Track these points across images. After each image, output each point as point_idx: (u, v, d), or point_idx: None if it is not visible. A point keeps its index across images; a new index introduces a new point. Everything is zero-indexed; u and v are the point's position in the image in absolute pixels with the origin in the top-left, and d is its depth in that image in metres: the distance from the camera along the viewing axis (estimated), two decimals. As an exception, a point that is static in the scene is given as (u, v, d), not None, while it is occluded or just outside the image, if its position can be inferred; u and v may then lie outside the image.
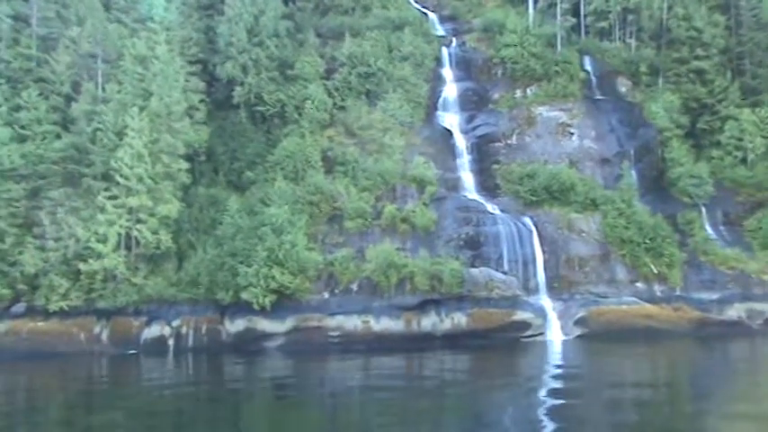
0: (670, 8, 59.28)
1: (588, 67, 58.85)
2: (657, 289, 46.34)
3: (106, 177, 45.02)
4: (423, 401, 25.54)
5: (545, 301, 44.62)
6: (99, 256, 43.64)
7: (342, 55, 55.92)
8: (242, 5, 54.99)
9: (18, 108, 47.37)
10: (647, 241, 47.44)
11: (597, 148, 53.69)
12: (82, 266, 43.75)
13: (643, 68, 57.59)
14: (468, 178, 52.16)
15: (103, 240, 43.77)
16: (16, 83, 48.55)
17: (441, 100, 56.66)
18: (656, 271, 46.82)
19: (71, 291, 44.52)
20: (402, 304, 43.31)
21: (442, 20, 64.82)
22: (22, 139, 46.52)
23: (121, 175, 44.19)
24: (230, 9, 54.99)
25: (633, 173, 52.10)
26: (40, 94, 47.56)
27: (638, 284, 46.47)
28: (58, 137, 46.84)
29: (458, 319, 42.68)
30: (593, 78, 58.42)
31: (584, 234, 47.96)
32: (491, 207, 48.81)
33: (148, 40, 49.39)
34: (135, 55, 48.49)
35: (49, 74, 48.76)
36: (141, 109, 46.17)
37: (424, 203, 48.38)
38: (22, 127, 46.85)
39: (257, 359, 41.43)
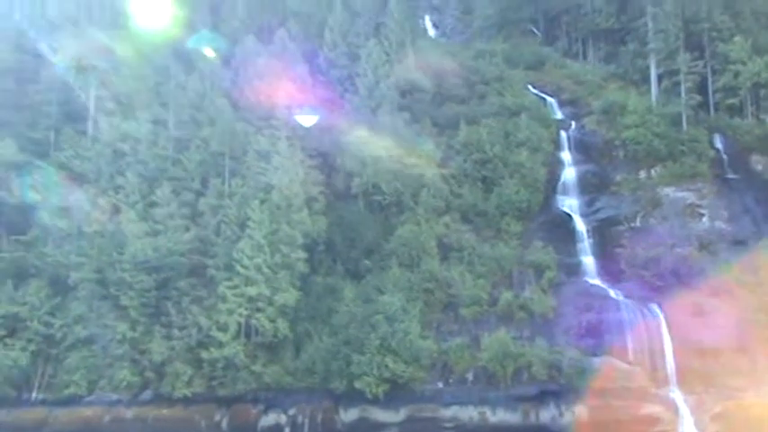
0: (807, 82, 56.12)
1: (718, 146, 56.15)
2: (806, 382, 41.99)
3: (228, 268, 46.76)
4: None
5: (675, 394, 41.37)
6: (220, 344, 45.00)
7: (458, 143, 56.33)
8: (359, 100, 57.06)
9: (153, 204, 50.70)
10: (793, 329, 43.47)
11: (730, 229, 50.52)
12: (204, 354, 45.18)
13: (779, 145, 54.39)
14: (589, 263, 50.19)
15: (224, 329, 45.21)
16: (152, 181, 52.03)
17: (560, 184, 55.55)
18: (803, 362, 42.59)
19: (194, 378, 45.91)
20: (519, 395, 41.70)
21: (562, 104, 64.23)
22: (155, 233, 49.43)
23: (242, 266, 45.85)
24: (348, 104, 57.18)
25: (773, 255, 48.42)
26: (173, 191, 50.71)
27: (784, 376, 42.33)
28: (187, 230, 49.45)
29: (579, 412, 40.44)
30: (725, 157, 55.54)
31: (718, 321, 44.53)
32: (614, 293, 46.63)
33: (271, 137, 52.03)
34: (258, 150, 51.14)
35: (181, 172, 52.07)
36: (262, 201, 48.30)
37: (543, 290, 46.94)
38: (156, 222, 49.95)
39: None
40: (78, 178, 52.93)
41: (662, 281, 46.86)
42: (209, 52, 58.44)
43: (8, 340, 46.87)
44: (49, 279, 48.92)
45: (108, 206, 50.50)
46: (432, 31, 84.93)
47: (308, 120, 54.58)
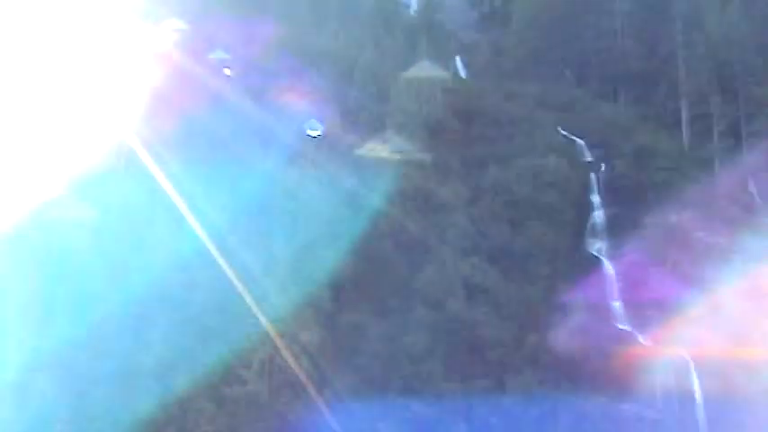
0: None
1: (752, 189, 55.39)
2: None
3: (253, 304, 46.75)
4: None
5: (707, 447, 40.43)
6: (243, 381, 44.94)
7: (486, 183, 56.31)
8: (388, 139, 57.37)
9: (182, 239, 51.07)
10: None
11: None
12: (227, 391, 45.08)
13: (817, 188, 53.48)
14: (617, 307, 49.56)
15: (248, 366, 45.17)
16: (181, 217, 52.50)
17: (589, 226, 55.13)
18: None
19: (217, 415, 45.65)
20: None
21: (592, 146, 63.67)
22: (184, 269, 49.71)
23: (267, 303, 45.88)
24: (377, 143, 57.51)
25: (812, 303, 47.24)
26: (201, 227, 51.07)
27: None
28: (215, 265, 49.60)
29: (605, 459, 39.60)
30: (758, 200, 54.73)
31: (753, 372, 43.39)
32: (642, 338, 45.85)
33: (299, 175, 52.39)
34: (286, 188, 51.41)
35: (209, 208, 52.45)
36: (289, 239, 48.50)
37: (570, 333, 46.09)
38: (184, 257, 50.24)
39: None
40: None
41: (692, 327, 45.94)
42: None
43: (34, 373, 47.18)
44: (75, 312, 49.33)
45: (139, 239, 50.95)
46: (463, 72, 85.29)
47: (336, 158, 54.94)
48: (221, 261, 49.90)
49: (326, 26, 72.02)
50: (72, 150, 51.36)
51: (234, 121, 56.80)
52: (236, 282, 48.43)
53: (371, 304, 50.82)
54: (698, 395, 41.86)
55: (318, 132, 55.87)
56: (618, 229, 54.76)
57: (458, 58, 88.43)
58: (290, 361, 45.38)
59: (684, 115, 60.65)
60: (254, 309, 46.58)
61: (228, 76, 60.34)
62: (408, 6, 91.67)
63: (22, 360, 46.72)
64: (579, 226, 55.02)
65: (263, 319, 45.88)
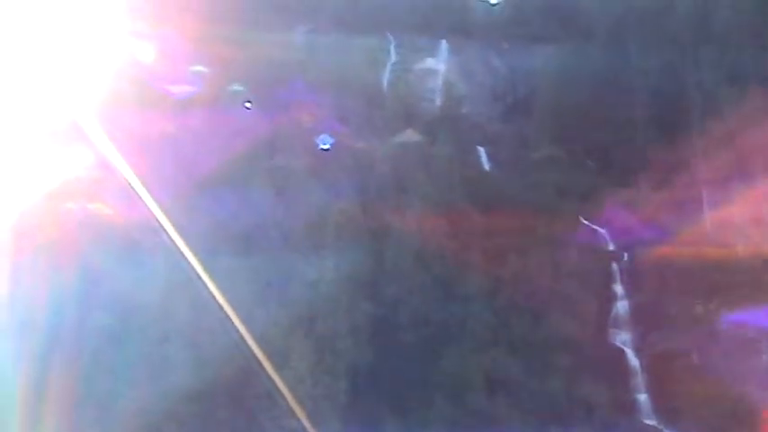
0: None
1: (775, 277, 54.26)
2: None
3: (269, 398, 46.24)
4: None
5: None
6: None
7: (506, 273, 55.83)
8: (408, 231, 57.60)
9: (199, 331, 51.08)
10: None
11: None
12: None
13: None
14: (643, 400, 48.15)
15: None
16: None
17: (611, 316, 54.15)
18: None
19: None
20: None
21: (613, 234, 63.30)
22: (201, 364, 49.55)
23: (283, 397, 45.20)
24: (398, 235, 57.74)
25: None
26: (216, 321, 51.13)
27: None
28: (230, 360, 49.37)
29: None
30: (783, 288, 53.49)
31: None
32: (670, 433, 44.32)
33: (317, 266, 52.54)
34: (302, 276, 51.57)
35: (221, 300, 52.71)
36: (306, 331, 48.34)
37: (593, 428, 45.03)
38: (201, 349, 50.14)
39: None
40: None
41: (723, 422, 44.33)
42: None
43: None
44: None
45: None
46: (486, 163, 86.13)
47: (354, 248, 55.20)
48: (237, 353, 49.73)
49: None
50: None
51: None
52: (250, 372, 48.08)
53: (389, 397, 50.00)
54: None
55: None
56: (643, 318, 53.79)
57: (481, 149, 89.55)
58: (303, 449, 44.47)
59: (705, 201, 60.20)
60: (270, 401, 46.12)
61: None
62: (433, 100, 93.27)
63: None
64: (602, 317, 54.07)
65: (278, 413, 45.28)
